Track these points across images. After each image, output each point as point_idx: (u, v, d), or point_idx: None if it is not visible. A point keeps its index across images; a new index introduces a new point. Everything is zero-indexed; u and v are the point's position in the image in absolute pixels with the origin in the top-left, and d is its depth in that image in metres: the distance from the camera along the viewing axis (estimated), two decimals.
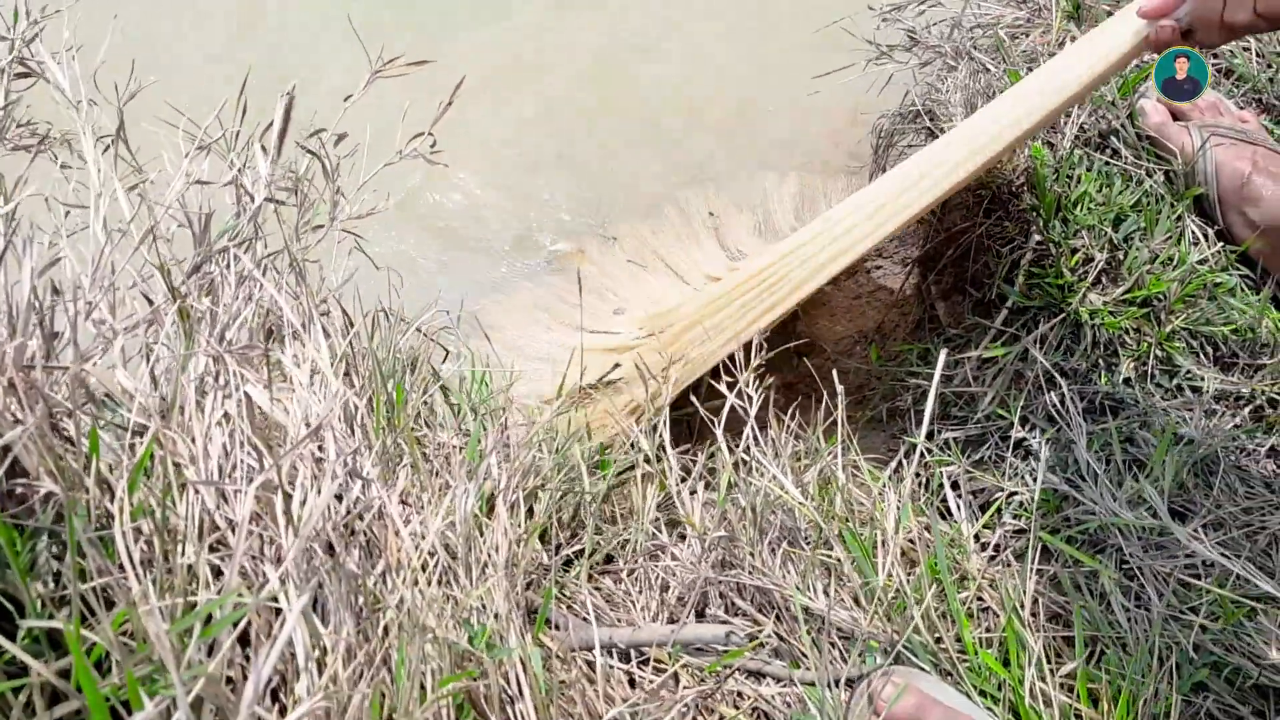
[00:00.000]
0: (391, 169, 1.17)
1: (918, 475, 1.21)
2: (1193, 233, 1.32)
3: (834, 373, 1.16)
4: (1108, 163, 1.38)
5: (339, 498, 0.84)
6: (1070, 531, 1.11)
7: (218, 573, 0.76)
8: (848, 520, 1.05)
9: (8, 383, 0.72)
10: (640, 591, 1.07)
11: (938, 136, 1.52)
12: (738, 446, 1.17)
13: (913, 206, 1.20)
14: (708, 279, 1.58)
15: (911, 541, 1.09)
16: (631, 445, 1.22)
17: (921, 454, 1.20)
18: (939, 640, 0.97)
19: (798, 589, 1.00)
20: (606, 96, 1.96)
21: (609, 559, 1.11)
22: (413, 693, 0.73)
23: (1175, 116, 1.39)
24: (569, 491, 1.13)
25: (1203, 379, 1.23)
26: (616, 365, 1.36)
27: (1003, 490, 1.17)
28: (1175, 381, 1.24)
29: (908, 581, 1.00)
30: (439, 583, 0.84)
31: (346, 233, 1.18)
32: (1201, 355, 1.26)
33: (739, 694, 0.97)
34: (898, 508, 1.04)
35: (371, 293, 1.23)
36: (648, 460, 1.18)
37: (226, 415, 0.83)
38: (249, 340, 0.95)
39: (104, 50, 1.07)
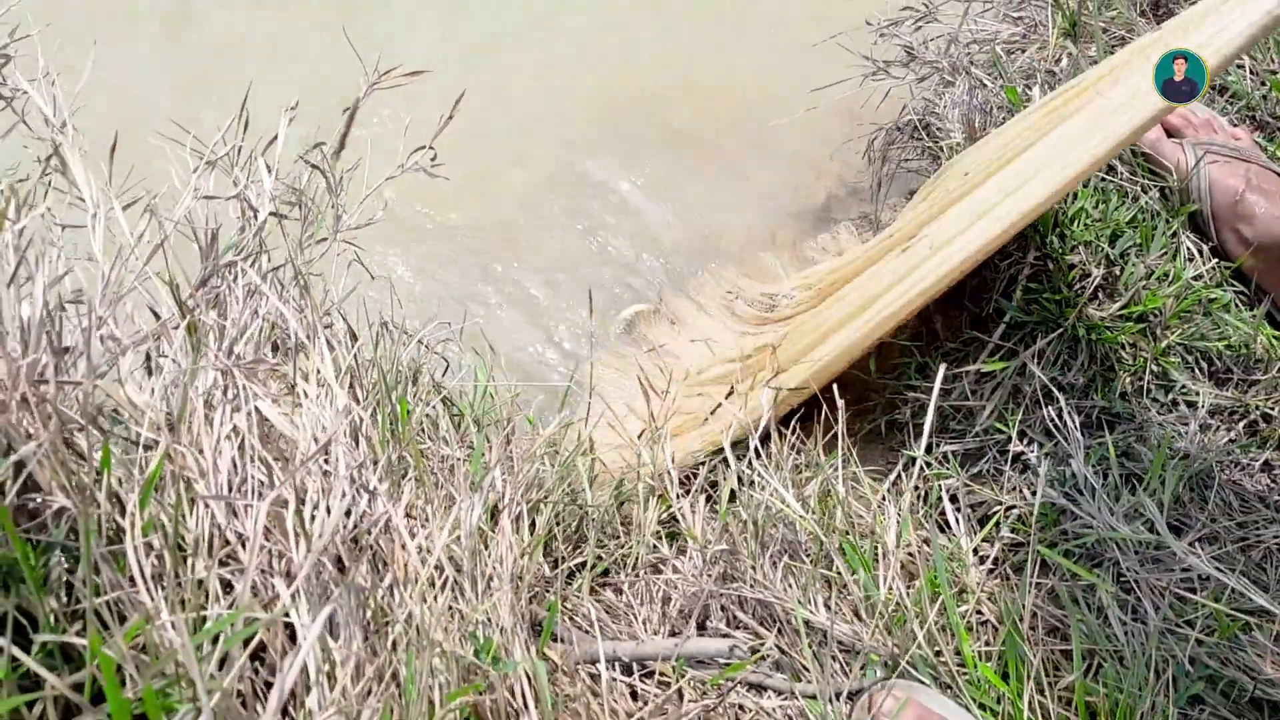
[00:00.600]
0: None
1: (917, 489, 1.22)
2: (1188, 249, 1.34)
3: (834, 386, 1.17)
4: (1104, 179, 1.39)
5: (347, 512, 0.84)
6: (1068, 545, 1.12)
7: (228, 587, 0.76)
8: (848, 534, 1.06)
9: (21, 398, 0.73)
10: (642, 604, 1.08)
11: (934, 152, 1.54)
12: (740, 459, 1.18)
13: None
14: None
15: (911, 555, 1.10)
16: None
17: (920, 467, 1.21)
18: (939, 653, 0.98)
19: (799, 603, 1.01)
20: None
21: (610, 572, 1.12)
22: (421, 707, 0.74)
23: (1169, 133, 1.41)
24: (571, 504, 1.13)
25: (1198, 394, 1.25)
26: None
27: (1001, 504, 1.18)
28: (1171, 396, 1.26)
29: (908, 595, 1.01)
30: (445, 596, 0.85)
31: (347, 244, 1.19)
32: (1196, 370, 1.28)
33: (740, 707, 0.98)
34: (898, 521, 1.05)
35: (375, 304, 1.24)
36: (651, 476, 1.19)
37: (235, 429, 0.83)
38: (255, 354, 0.95)
39: (87, 73, 1.08)
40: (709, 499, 1.20)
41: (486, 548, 0.95)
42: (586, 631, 1.02)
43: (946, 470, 1.22)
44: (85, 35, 1.21)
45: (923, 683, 0.96)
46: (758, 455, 1.11)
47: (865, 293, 1.28)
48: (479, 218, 1.78)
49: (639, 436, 1.27)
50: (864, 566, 1.02)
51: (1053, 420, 1.19)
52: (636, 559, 1.11)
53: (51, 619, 0.68)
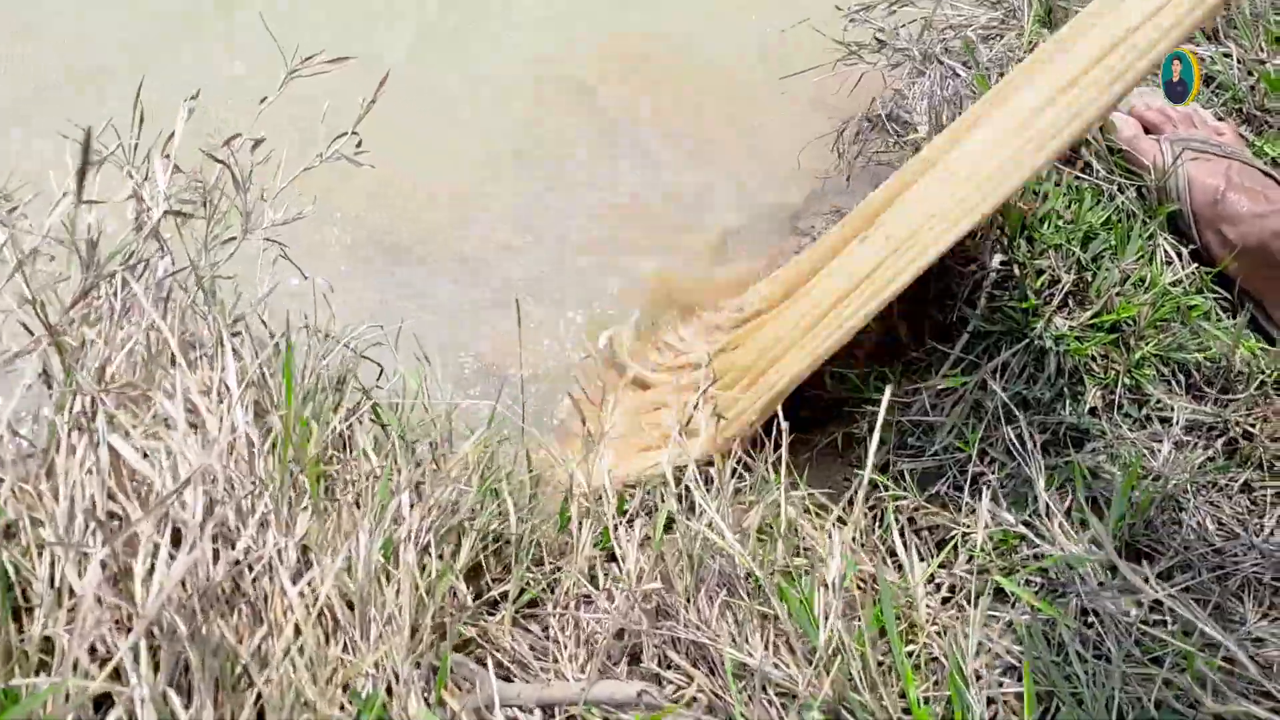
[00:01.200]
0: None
1: (871, 508, 1.15)
2: (1166, 252, 1.26)
3: (778, 408, 1.09)
4: (1078, 177, 1.31)
5: (220, 550, 0.77)
6: (1027, 573, 1.04)
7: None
8: (787, 570, 0.98)
9: None
10: (569, 639, 1.00)
11: (903, 143, 1.46)
12: (680, 482, 1.10)
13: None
14: None
15: (861, 585, 1.03)
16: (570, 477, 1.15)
17: (873, 488, 1.13)
18: (880, 699, 0.91)
19: (733, 642, 0.93)
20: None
21: (539, 602, 1.04)
22: None
23: (1147, 129, 1.33)
24: (502, 526, 1.06)
25: (1173, 409, 1.17)
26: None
27: (958, 527, 1.10)
28: (1144, 412, 1.18)
29: (850, 633, 0.93)
30: (329, 643, 0.77)
31: (271, 241, 1.12)
32: (1173, 384, 1.20)
33: None
34: (841, 556, 0.97)
35: (306, 308, 1.16)
36: (585, 496, 1.11)
37: (97, 465, 0.76)
38: (137, 373, 0.88)
39: None
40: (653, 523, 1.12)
41: (388, 582, 0.87)
42: (503, 672, 0.95)
43: (902, 491, 1.15)
44: None
45: None
46: (696, 482, 1.03)
47: (820, 300, 1.19)
48: (421, 219, 1.69)
49: (577, 452, 1.20)
50: (804, 605, 0.94)
51: (1012, 441, 1.12)
52: (566, 589, 1.04)
53: None
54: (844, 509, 1.12)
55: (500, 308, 1.53)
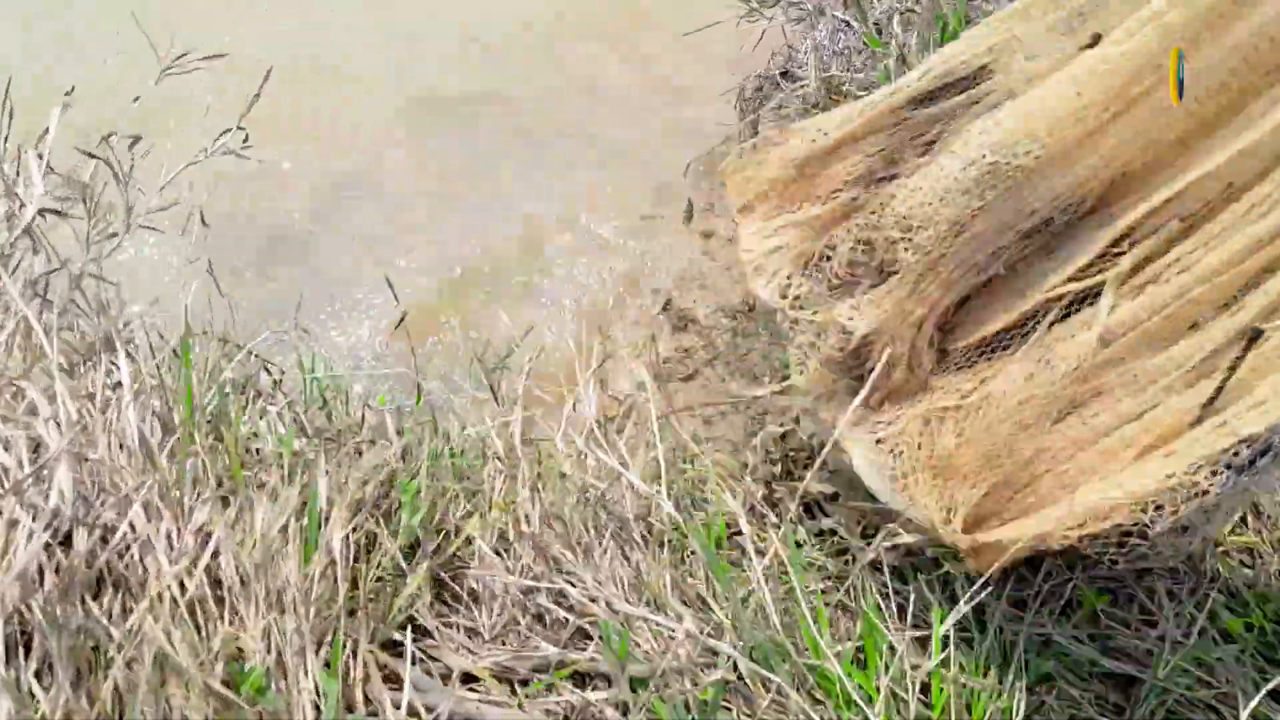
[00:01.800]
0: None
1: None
2: None
3: None
4: None
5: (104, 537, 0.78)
6: None
7: None
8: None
9: None
10: (484, 602, 1.02)
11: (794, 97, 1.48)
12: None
13: None
14: None
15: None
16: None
17: None
18: (795, 644, 0.93)
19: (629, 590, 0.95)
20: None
21: (457, 563, 1.06)
22: None
23: None
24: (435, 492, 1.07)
25: None
26: None
27: None
28: None
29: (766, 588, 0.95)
30: (203, 616, 0.79)
31: (148, 229, 1.12)
32: None
33: None
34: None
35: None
36: (499, 457, 1.13)
37: None
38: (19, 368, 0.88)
39: None
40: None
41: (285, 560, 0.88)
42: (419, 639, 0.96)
43: None
44: None
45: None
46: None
47: None
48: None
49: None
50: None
51: None
52: (478, 551, 1.05)
53: None
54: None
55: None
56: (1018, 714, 0.91)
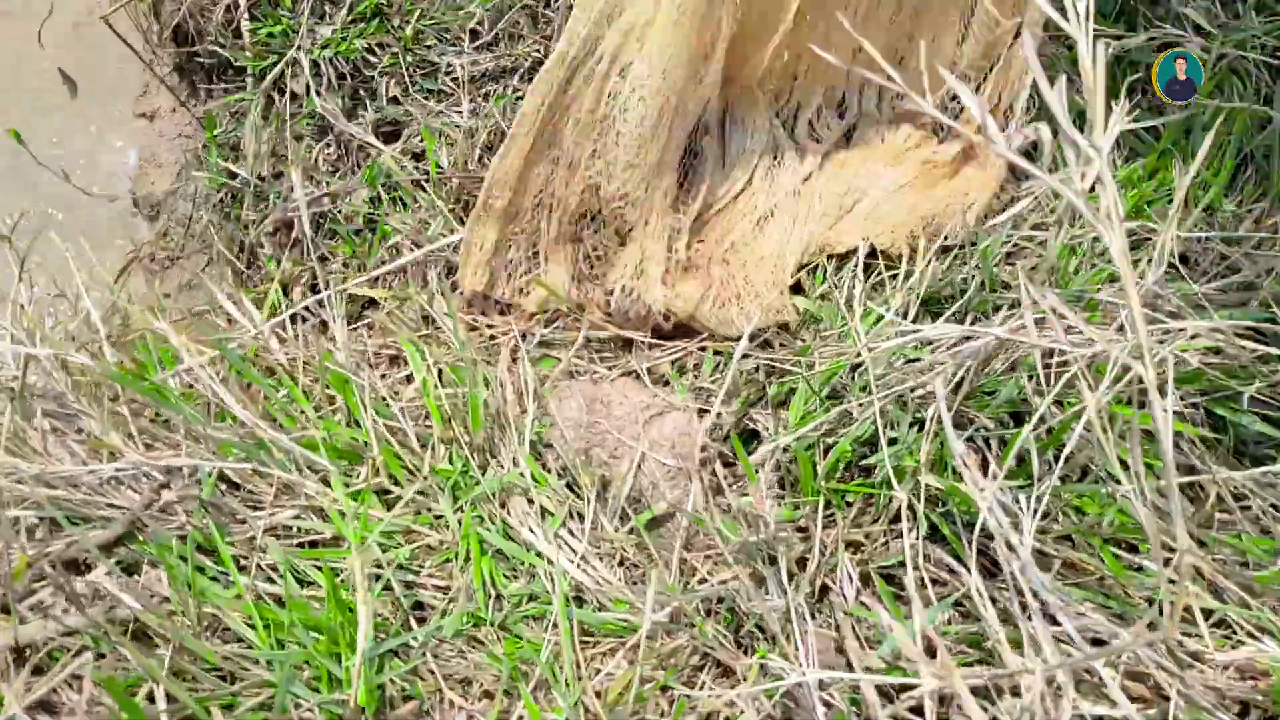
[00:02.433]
0: None
1: None
2: None
3: None
4: None
5: None
6: None
7: None
8: None
9: None
10: None
11: None
12: None
13: None
14: None
15: None
16: None
17: None
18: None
19: None
20: None
21: None
22: None
23: None
24: None
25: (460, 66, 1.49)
26: None
27: None
28: (439, 83, 1.49)
29: None
30: None
31: None
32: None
33: None
34: None
35: None
36: None
37: None
38: None
39: None
40: None
41: None
42: None
43: None
44: None
45: None
46: None
47: None
48: None
49: None
50: None
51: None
52: None
53: None
54: None
55: None
56: None
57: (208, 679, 1.00)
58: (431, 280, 1.44)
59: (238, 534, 1.16)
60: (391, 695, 1.04)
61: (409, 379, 1.34)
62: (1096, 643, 1.04)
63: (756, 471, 1.22)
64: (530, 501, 1.21)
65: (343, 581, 1.10)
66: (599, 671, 1.08)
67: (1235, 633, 1.06)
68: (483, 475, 1.22)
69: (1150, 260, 1.19)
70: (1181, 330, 1.09)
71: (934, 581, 1.12)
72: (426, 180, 1.50)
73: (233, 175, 1.57)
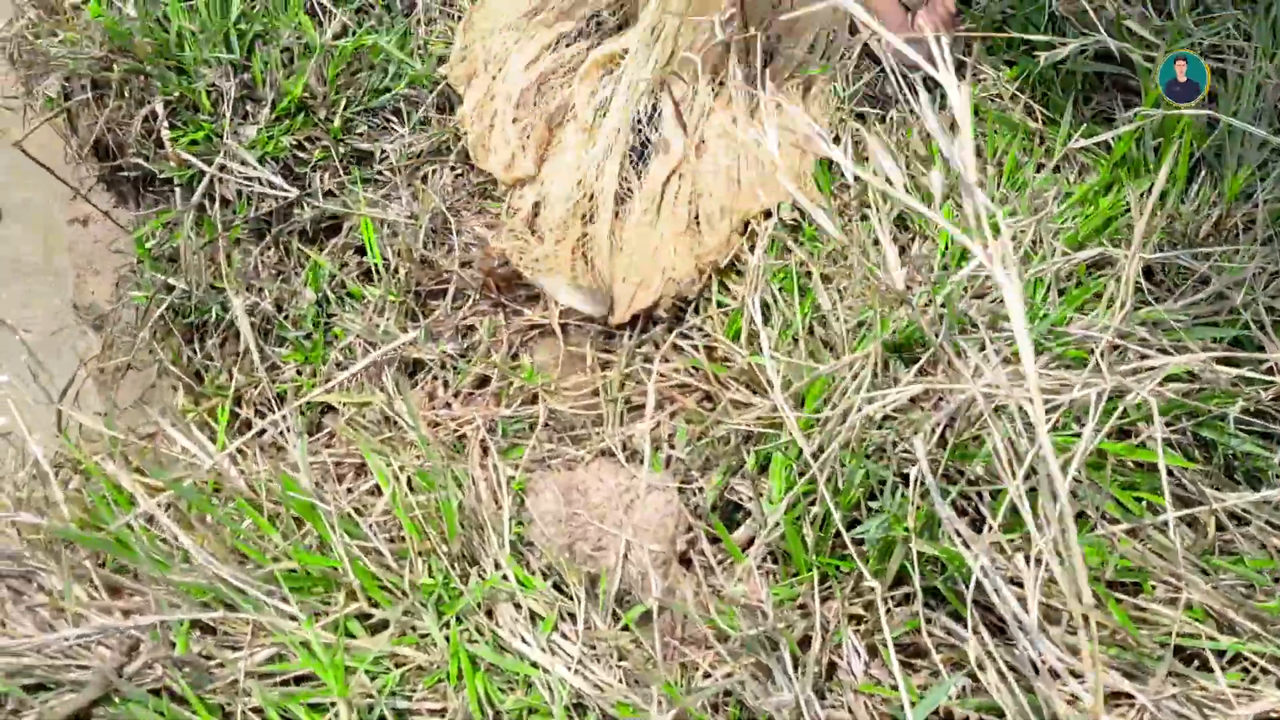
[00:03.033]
0: None
1: None
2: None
3: None
4: None
5: None
6: None
7: None
8: None
9: None
10: None
11: None
12: None
13: None
14: None
15: None
16: None
17: None
18: None
19: None
20: None
21: None
22: None
23: None
24: None
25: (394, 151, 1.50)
26: None
27: None
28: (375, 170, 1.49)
29: None
30: None
31: None
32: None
33: None
34: None
35: None
36: None
37: None
38: None
39: None
40: None
41: None
42: None
43: None
44: None
45: None
46: None
47: None
48: None
49: None
50: None
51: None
52: None
53: None
54: None
55: None
56: None
57: None
58: (388, 380, 1.39)
59: (219, 678, 1.11)
60: None
61: (377, 489, 1.30)
62: (1115, 695, 1.02)
63: (744, 550, 1.19)
64: (518, 607, 1.17)
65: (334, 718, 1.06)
66: None
67: (1249, 669, 1.04)
68: (465, 585, 1.18)
69: (1116, 296, 1.18)
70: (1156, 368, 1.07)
71: (941, 646, 1.10)
72: (374, 274, 1.45)
73: (170, 288, 1.51)
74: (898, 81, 1.30)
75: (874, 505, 1.15)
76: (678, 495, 1.26)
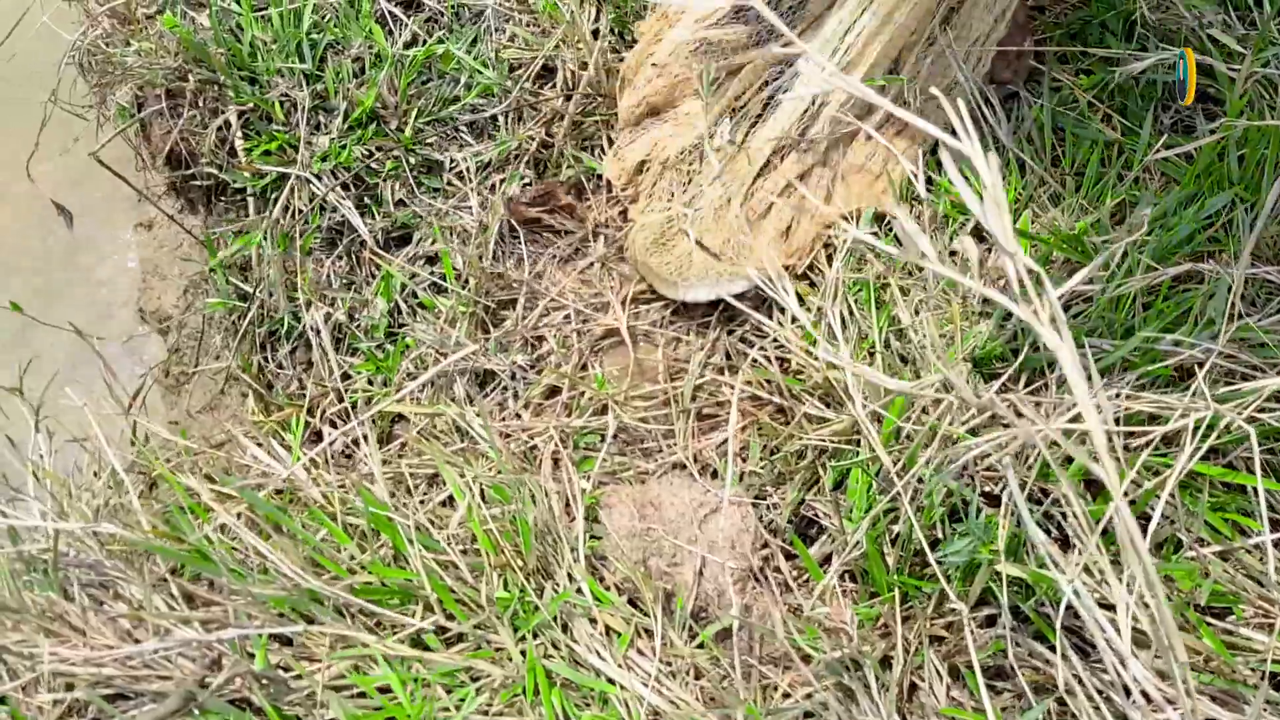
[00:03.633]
0: None
1: None
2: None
3: None
4: None
5: None
6: None
7: None
8: None
9: None
10: None
11: None
12: None
13: None
14: None
15: None
16: None
17: None
18: None
19: None
20: None
21: None
22: None
23: None
24: None
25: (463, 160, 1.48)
26: None
27: None
28: (444, 180, 1.48)
29: None
30: None
31: None
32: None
33: None
34: None
35: None
36: None
37: None
38: None
39: None
40: None
41: None
42: None
43: None
44: None
45: None
46: None
47: None
48: None
49: None
50: None
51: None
52: None
53: None
54: None
55: None
56: None
57: None
58: (459, 390, 1.39)
59: (296, 690, 1.12)
60: None
61: (450, 500, 1.29)
62: None
63: (821, 568, 1.17)
64: (593, 622, 1.16)
65: None
66: None
67: None
68: (540, 599, 1.17)
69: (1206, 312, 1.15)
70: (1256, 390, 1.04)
71: (1024, 666, 1.08)
72: (444, 283, 1.45)
73: (243, 296, 1.52)
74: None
75: (954, 525, 1.13)
76: (751, 510, 1.25)
